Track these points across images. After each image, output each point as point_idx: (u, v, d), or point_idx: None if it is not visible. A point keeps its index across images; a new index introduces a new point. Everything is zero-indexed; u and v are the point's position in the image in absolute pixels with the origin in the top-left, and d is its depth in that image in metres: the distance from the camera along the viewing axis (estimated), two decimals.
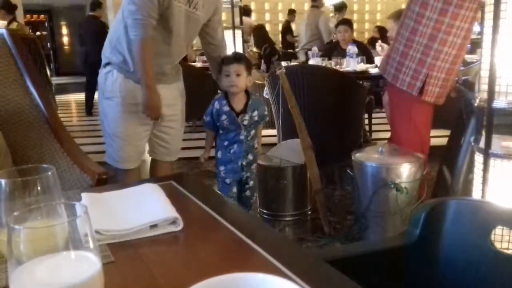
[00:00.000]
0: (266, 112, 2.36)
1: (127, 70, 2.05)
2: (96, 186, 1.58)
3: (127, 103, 2.06)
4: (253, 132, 2.32)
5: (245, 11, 7.11)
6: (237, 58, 2.28)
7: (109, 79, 2.08)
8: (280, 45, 10.68)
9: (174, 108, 2.23)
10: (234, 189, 2.35)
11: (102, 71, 2.13)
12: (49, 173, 0.75)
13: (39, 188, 0.74)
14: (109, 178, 1.66)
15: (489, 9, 1.62)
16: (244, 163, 2.32)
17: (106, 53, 2.11)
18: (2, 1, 5.87)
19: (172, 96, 2.21)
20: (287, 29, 9.37)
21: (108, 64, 2.10)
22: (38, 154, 1.78)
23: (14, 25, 5.64)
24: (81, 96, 8.25)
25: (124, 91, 2.05)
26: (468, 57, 6.05)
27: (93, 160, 1.74)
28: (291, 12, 9.86)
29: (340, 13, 6.72)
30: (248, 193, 2.40)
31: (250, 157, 2.34)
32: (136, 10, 1.91)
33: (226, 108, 2.26)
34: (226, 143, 2.31)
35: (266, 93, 4.11)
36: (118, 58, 2.05)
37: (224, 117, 2.26)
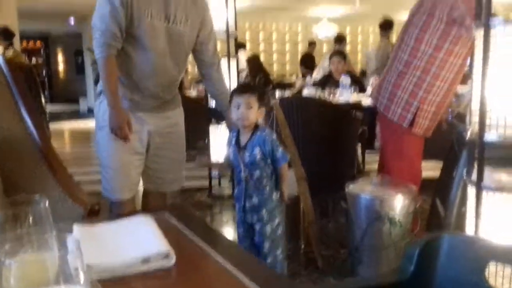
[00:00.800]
0: (279, 153, 2.04)
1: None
2: (88, 217, 1.56)
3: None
4: (258, 172, 2.05)
5: (240, 45, 7.21)
6: (248, 88, 2.14)
7: (101, 109, 2.07)
8: (275, 76, 10.80)
9: (168, 137, 2.19)
10: (240, 230, 2.16)
11: (96, 101, 2.13)
12: (41, 204, 0.75)
13: (30, 219, 0.73)
14: (101, 209, 1.65)
15: (479, 42, 1.64)
16: (247, 205, 2.09)
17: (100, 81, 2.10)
18: (0, 28, 5.96)
19: (165, 124, 2.16)
20: (302, 61, 9.16)
21: (100, 93, 2.09)
22: (29, 183, 1.76)
23: (10, 52, 5.69)
24: (74, 124, 8.25)
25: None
26: (459, 88, 6.15)
27: (85, 190, 1.73)
28: (311, 44, 9.76)
29: (340, 45, 6.85)
30: (256, 238, 2.14)
31: (255, 200, 2.07)
32: (97, 28, 1.92)
33: (233, 141, 2.10)
34: (236, 180, 2.16)
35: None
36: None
37: (231, 149, 2.10)
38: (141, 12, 1.93)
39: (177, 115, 2.25)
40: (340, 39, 7.09)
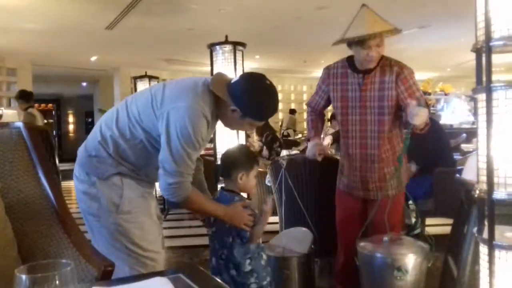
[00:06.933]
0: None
1: (137, 176, 2.00)
2: (101, 279, 1.56)
3: (152, 212, 2.04)
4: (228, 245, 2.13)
5: None
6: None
7: (125, 191, 1.97)
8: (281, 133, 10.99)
9: None
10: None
11: (105, 183, 1.99)
12: (68, 268, 0.78)
13: (57, 282, 0.76)
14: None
15: (481, 105, 1.69)
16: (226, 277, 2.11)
17: (109, 162, 2.00)
18: (19, 91, 6.29)
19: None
20: None
21: (116, 174, 1.98)
22: (44, 244, 1.78)
23: (22, 116, 5.89)
24: None
25: (142, 200, 2.02)
26: (465, 146, 6.20)
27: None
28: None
29: None
30: None
31: (230, 275, 2.11)
32: (184, 173, 1.85)
33: None
34: None
35: (268, 180, 4.14)
36: (127, 167, 1.99)
37: None
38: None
39: None
40: None
